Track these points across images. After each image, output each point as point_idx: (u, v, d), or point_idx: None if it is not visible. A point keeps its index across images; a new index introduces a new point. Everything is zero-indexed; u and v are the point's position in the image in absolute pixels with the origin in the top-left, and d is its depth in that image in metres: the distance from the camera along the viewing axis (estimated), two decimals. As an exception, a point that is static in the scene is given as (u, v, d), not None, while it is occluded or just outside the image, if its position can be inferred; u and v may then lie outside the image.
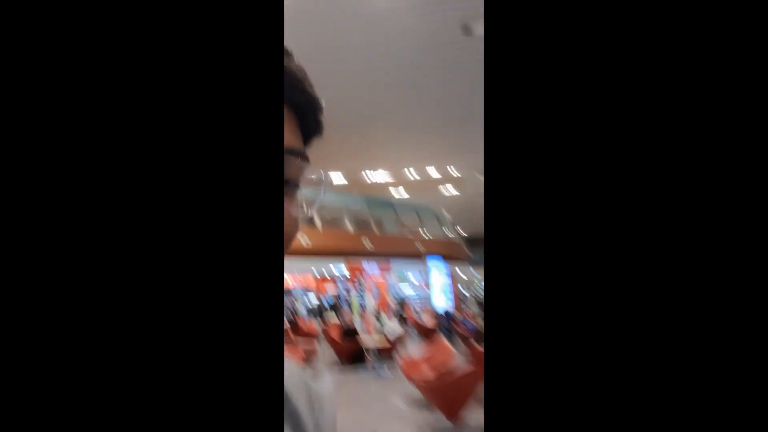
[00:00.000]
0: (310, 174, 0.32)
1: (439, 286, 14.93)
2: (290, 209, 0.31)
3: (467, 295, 17.43)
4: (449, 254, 15.46)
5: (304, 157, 0.31)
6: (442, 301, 14.35)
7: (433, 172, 13.82)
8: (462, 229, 24.35)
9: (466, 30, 6.91)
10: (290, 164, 0.30)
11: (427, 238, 15.62)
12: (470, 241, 27.11)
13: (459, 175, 14.11)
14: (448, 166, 13.72)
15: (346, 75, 7.23)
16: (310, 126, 0.33)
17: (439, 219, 16.98)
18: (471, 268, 18.88)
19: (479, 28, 6.78)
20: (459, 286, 16.95)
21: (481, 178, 14.23)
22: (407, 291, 14.74)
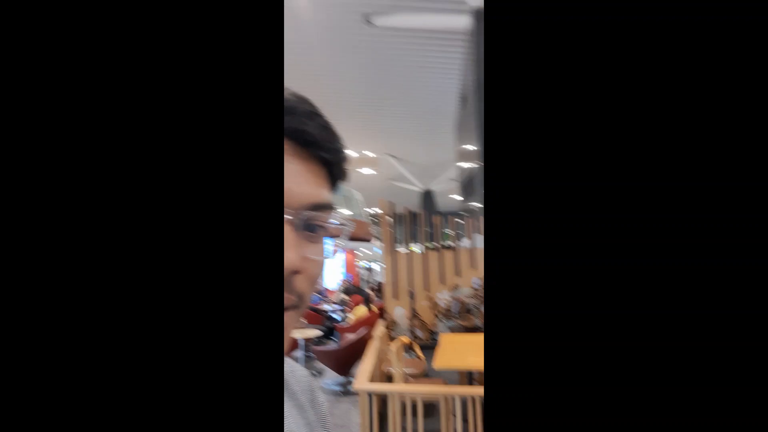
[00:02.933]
0: (334, 219, 0.35)
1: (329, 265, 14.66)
2: (316, 252, 0.33)
3: (360, 271, 17.70)
4: (355, 234, 15.76)
5: (331, 207, 0.34)
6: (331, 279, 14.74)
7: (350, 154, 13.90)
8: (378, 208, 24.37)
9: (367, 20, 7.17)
10: (320, 215, 0.33)
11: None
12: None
13: (374, 156, 14.47)
14: (363, 150, 14.04)
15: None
16: (337, 175, 0.36)
17: (349, 200, 17.19)
18: (375, 247, 19.05)
19: (380, 20, 7.08)
20: (357, 263, 17.36)
21: (394, 161, 14.66)
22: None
